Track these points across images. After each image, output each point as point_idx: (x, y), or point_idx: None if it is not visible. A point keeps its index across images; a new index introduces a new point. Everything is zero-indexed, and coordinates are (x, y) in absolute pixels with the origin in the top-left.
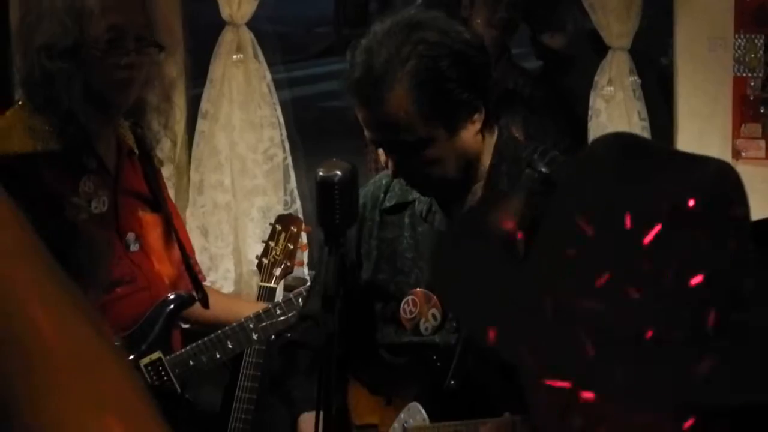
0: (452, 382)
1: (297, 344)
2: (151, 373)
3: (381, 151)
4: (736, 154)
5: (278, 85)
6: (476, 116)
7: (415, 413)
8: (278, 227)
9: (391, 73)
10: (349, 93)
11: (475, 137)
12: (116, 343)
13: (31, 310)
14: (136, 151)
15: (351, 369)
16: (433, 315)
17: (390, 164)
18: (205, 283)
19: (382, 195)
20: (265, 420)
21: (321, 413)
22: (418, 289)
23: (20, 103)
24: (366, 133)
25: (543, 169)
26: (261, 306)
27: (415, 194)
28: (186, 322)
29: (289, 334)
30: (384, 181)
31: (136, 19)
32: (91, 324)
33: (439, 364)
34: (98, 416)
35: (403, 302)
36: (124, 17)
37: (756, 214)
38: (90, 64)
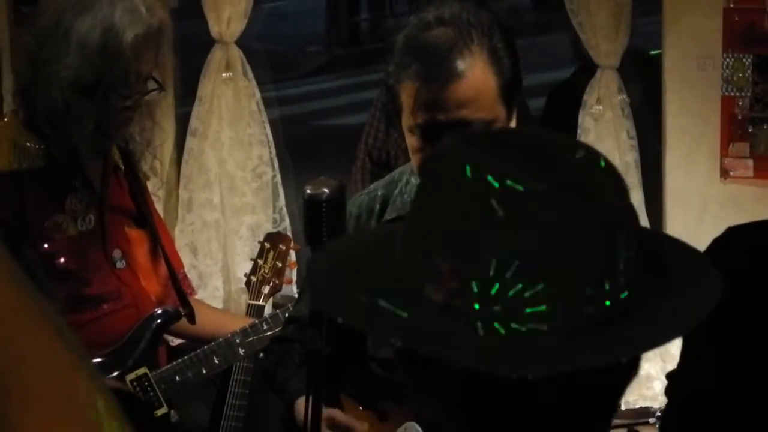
0: None
1: (287, 341)
2: (137, 389)
3: (419, 145)
4: (725, 173)
5: (268, 103)
6: (515, 113)
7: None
8: (267, 245)
9: (471, 47)
10: (417, 70)
11: None
12: (92, 362)
13: (8, 335)
14: (122, 167)
15: (341, 382)
16: None
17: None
18: (195, 297)
19: (377, 206)
20: None
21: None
22: None
23: (6, 119)
24: (424, 117)
25: None
26: (249, 320)
27: None
28: (175, 337)
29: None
30: (379, 192)
31: (151, 62)
32: (61, 340)
33: None
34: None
35: None
36: (144, 61)
37: None
38: (102, 101)
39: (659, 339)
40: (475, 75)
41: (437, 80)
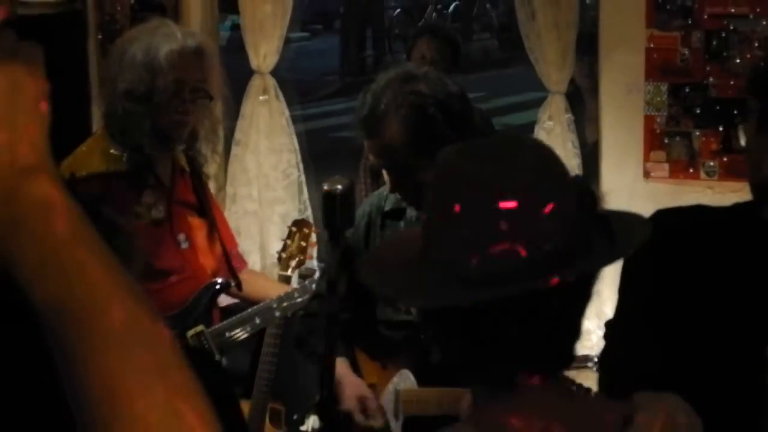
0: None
1: (314, 314)
2: (195, 342)
3: (384, 172)
4: (646, 173)
5: (294, 119)
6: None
7: (406, 378)
8: (294, 229)
9: (388, 114)
10: (358, 127)
11: None
12: (157, 313)
13: (86, 287)
14: (187, 169)
15: (356, 340)
16: None
17: (389, 181)
18: (248, 268)
19: (383, 203)
20: (282, 379)
21: (325, 378)
22: None
23: (98, 133)
24: (370, 158)
25: None
26: (285, 287)
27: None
28: (234, 298)
29: (304, 310)
30: (384, 193)
31: (194, 75)
32: (137, 297)
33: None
34: (143, 369)
35: None
36: (185, 73)
37: None
38: (156, 108)
39: (601, 263)
40: (391, 135)
41: (367, 138)
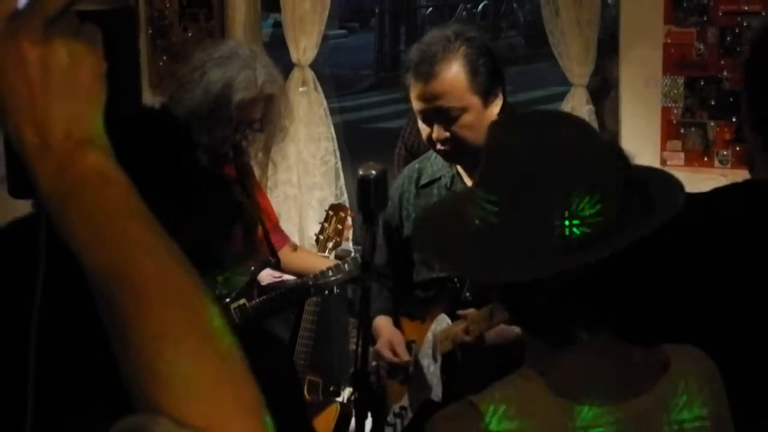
0: (467, 294)
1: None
2: (238, 314)
3: (424, 126)
4: (663, 162)
5: (332, 111)
6: (498, 100)
7: (442, 321)
8: (331, 213)
9: (447, 56)
10: (412, 73)
11: (496, 117)
12: (202, 284)
13: (136, 256)
14: (231, 154)
15: (398, 307)
16: None
17: (435, 130)
18: (290, 243)
19: (416, 175)
20: (321, 352)
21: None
22: None
23: None
24: (419, 106)
25: None
26: (327, 261)
27: (442, 173)
28: (287, 273)
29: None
30: (417, 166)
31: (255, 116)
32: (183, 267)
33: (458, 285)
34: (186, 334)
35: None
36: (248, 116)
37: None
38: (209, 130)
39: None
40: (447, 75)
41: (420, 79)
